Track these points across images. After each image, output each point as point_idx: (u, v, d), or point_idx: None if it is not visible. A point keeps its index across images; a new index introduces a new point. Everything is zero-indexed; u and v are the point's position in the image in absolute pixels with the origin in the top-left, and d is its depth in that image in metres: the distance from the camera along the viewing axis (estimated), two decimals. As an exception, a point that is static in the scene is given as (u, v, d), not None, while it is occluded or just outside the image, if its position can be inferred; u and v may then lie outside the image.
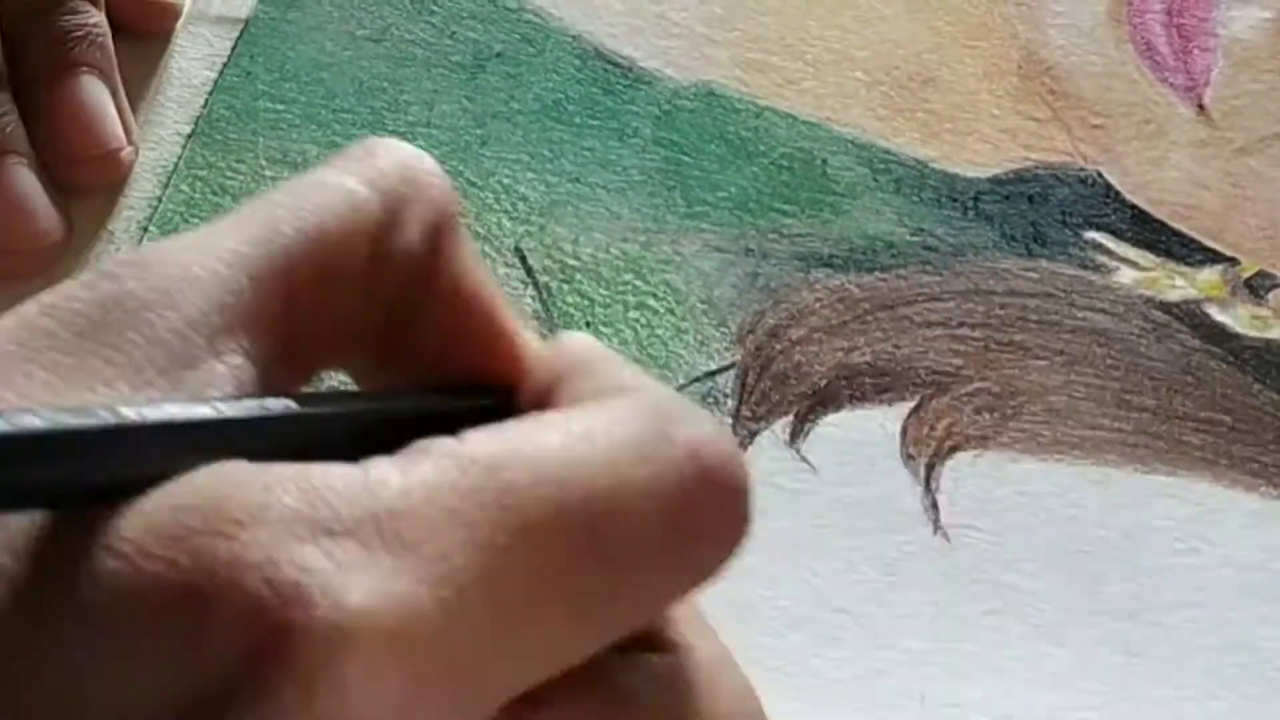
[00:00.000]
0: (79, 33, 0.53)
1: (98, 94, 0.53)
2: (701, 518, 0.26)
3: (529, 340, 0.30)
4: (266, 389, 0.27)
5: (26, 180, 0.51)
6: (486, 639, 0.24)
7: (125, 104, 0.54)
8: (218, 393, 0.26)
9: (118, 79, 0.54)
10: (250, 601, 0.22)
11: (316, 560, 0.22)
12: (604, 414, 0.26)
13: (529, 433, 0.26)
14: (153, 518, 0.23)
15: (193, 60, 0.56)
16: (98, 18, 0.54)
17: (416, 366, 0.29)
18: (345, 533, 0.23)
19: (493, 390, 0.29)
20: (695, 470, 0.26)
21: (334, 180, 0.28)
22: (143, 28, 0.56)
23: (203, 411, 0.25)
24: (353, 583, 0.22)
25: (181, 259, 0.26)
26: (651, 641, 0.28)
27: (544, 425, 0.26)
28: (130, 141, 0.54)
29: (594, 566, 0.25)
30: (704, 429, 0.27)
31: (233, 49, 0.56)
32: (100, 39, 0.53)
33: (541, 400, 0.29)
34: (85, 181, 0.53)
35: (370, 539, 0.23)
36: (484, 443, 0.25)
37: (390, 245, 0.28)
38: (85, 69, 0.53)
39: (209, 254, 0.26)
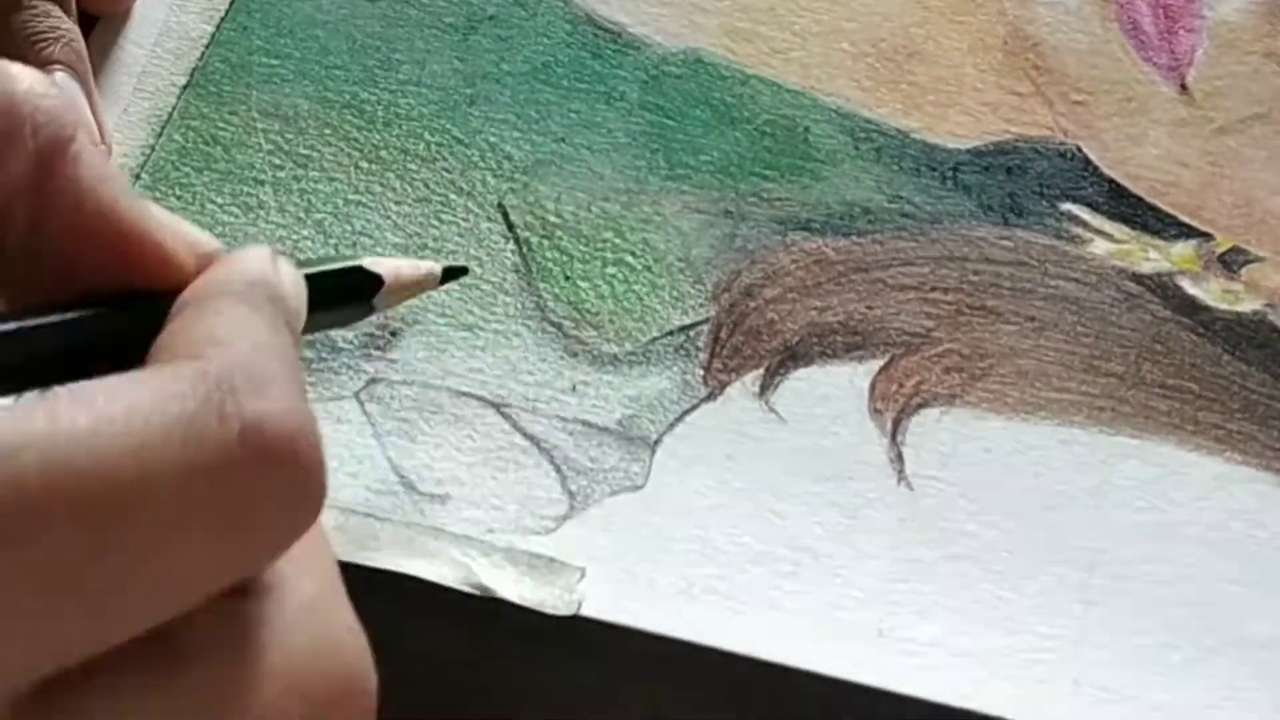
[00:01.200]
0: (50, 34, 0.53)
1: (72, 91, 0.52)
2: (255, 499, 0.25)
3: (184, 249, 0.29)
4: None
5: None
6: None
7: (99, 104, 0.54)
8: None
9: (92, 81, 0.54)
10: None
11: None
12: (155, 386, 0.25)
13: (58, 410, 0.24)
14: None
15: (191, 14, 0.57)
16: (69, 23, 0.53)
17: (47, 287, 0.28)
18: None
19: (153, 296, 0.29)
20: (252, 450, 0.25)
21: None
22: (101, 9, 0.56)
23: None
24: None
25: None
26: (247, 582, 0.26)
27: (81, 400, 0.24)
28: (104, 141, 0.53)
29: (115, 559, 0.24)
30: (268, 404, 0.25)
31: (231, 4, 0.57)
32: (73, 42, 0.53)
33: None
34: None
35: None
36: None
37: None
38: (59, 67, 0.53)
39: None
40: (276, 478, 0.25)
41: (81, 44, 0.54)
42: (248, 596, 0.26)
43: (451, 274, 0.47)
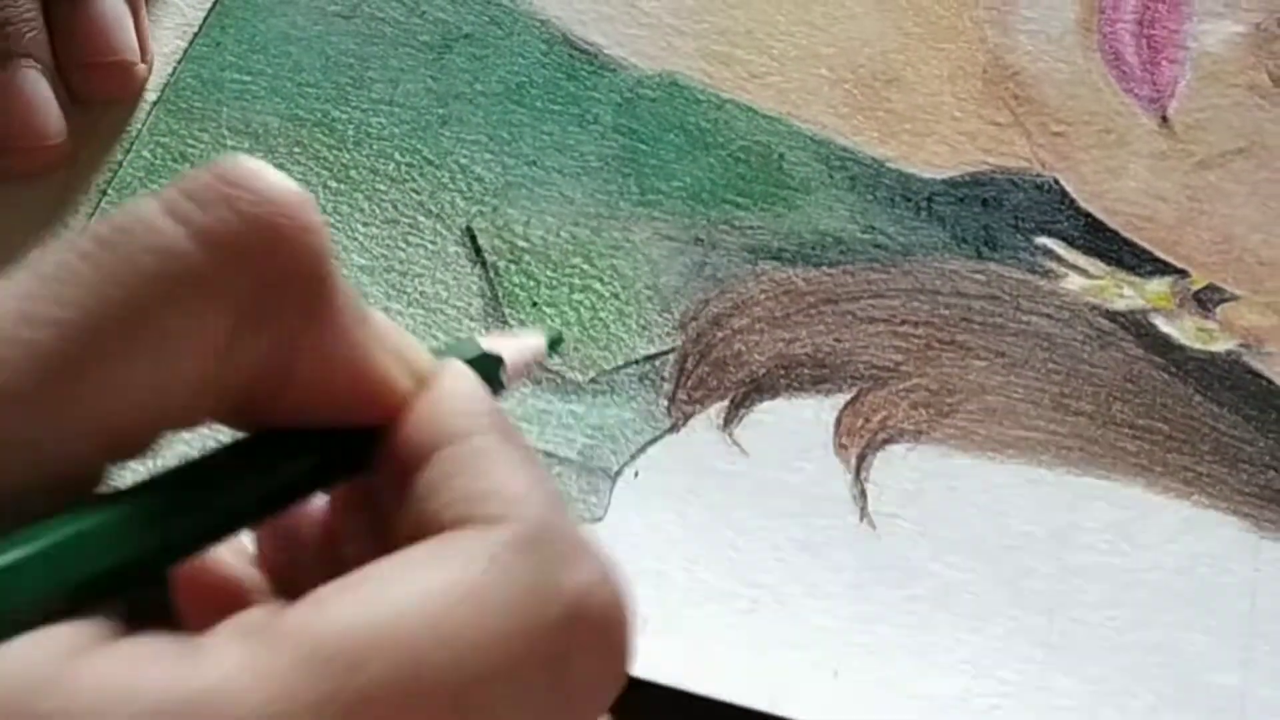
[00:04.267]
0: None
1: (115, 5, 0.54)
2: (578, 671, 0.25)
3: (405, 376, 0.28)
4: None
5: (35, 83, 0.52)
6: None
7: (145, 24, 0.55)
8: None
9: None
10: None
11: None
12: (478, 566, 0.24)
13: (388, 601, 0.23)
14: None
15: (165, 29, 0.56)
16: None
17: (284, 418, 0.27)
18: None
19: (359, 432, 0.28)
20: (578, 624, 0.24)
21: (150, 232, 0.25)
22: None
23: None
24: None
25: None
26: None
27: (404, 585, 0.24)
28: (144, 59, 0.54)
29: None
30: (589, 574, 0.25)
31: (204, 19, 0.57)
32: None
33: (408, 470, 0.27)
34: (96, 89, 0.54)
35: None
36: (334, 623, 0.23)
37: (237, 311, 0.25)
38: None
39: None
40: (597, 649, 0.25)
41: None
42: None
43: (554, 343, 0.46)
